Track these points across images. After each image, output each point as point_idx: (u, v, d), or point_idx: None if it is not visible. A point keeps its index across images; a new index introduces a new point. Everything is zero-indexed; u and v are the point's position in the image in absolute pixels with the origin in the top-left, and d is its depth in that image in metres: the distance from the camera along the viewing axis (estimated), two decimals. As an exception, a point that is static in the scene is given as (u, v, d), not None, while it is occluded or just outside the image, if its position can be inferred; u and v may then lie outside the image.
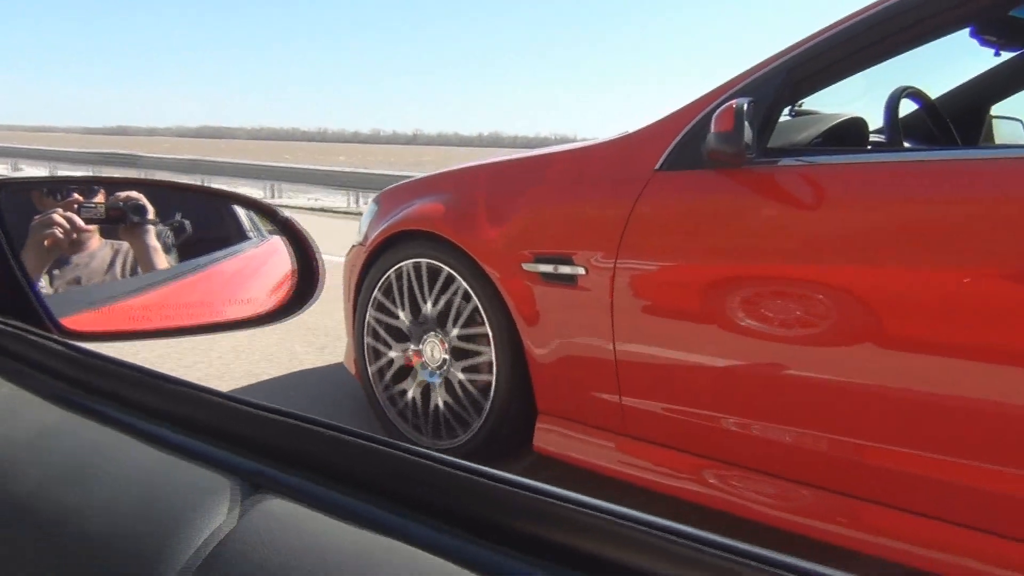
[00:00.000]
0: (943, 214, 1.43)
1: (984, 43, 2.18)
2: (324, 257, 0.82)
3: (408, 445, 0.45)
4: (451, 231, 2.18)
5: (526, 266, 2.01)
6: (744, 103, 1.58)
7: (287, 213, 0.80)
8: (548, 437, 2.05)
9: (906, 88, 1.92)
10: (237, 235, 0.97)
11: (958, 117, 2.42)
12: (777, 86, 1.65)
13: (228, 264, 0.98)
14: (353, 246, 2.77)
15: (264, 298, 0.82)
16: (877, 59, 1.60)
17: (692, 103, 1.83)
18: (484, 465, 0.42)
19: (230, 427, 0.50)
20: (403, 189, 2.55)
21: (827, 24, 1.65)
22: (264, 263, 0.84)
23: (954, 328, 1.37)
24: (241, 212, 0.96)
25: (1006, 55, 2.28)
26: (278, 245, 0.81)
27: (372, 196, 2.75)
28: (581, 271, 1.90)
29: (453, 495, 0.42)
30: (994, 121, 2.65)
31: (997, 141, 2.65)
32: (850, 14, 1.63)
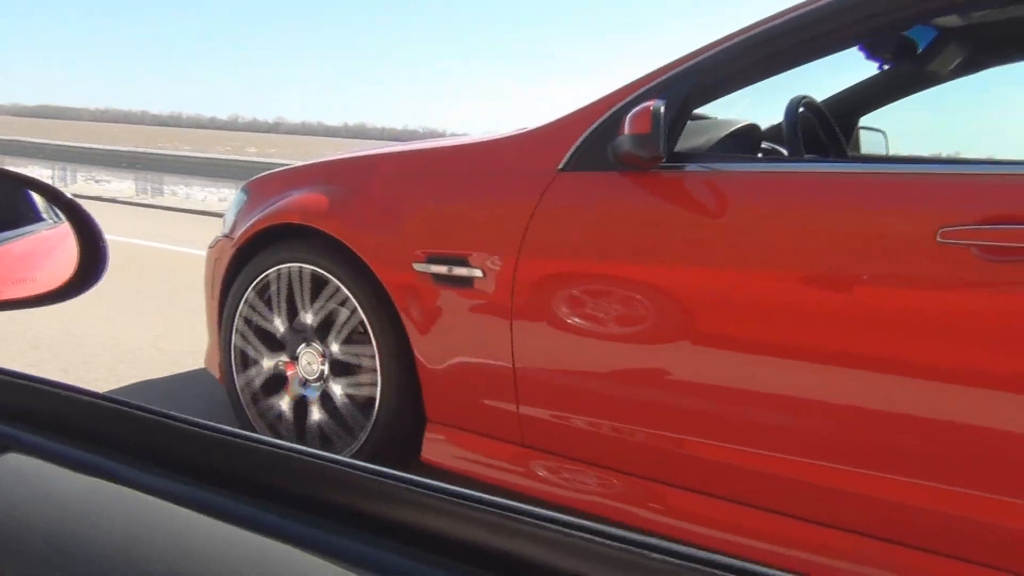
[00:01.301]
0: (837, 224, 1.44)
1: (870, 56, 2.26)
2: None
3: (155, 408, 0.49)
4: (333, 226, 2.01)
5: (417, 266, 1.88)
6: (660, 105, 1.52)
7: (70, 195, 0.79)
8: (438, 448, 1.93)
9: (803, 97, 1.95)
10: (29, 216, 0.97)
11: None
12: (687, 89, 1.61)
13: (16, 245, 0.99)
14: (217, 237, 2.53)
15: (46, 279, 0.81)
16: (783, 68, 1.60)
17: (596, 102, 1.77)
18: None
19: None
20: (276, 178, 2.34)
21: (731, 31, 1.63)
22: (57, 245, 0.84)
23: (834, 333, 1.39)
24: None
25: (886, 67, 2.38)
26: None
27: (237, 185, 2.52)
28: (478, 273, 1.79)
29: (202, 454, 0.47)
30: (861, 131, 2.79)
31: (863, 151, 2.79)
32: (756, 22, 1.62)
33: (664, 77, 1.64)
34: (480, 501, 0.40)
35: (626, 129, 1.54)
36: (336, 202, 2.04)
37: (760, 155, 2.06)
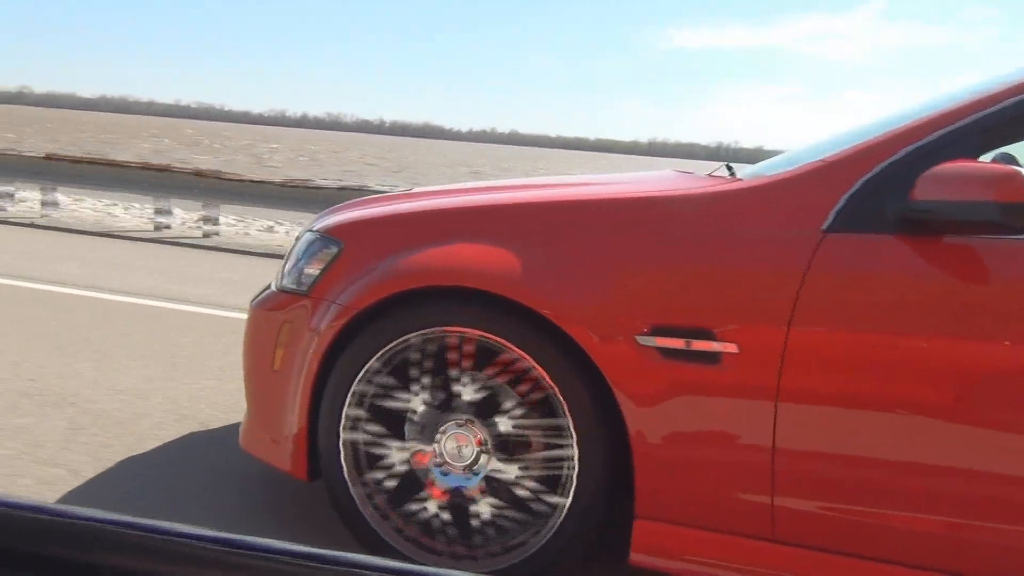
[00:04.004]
0: None
1: None
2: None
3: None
4: (520, 291, 1.66)
5: (641, 339, 1.60)
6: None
7: None
8: (655, 547, 1.66)
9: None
10: None
11: None
12: (980, 140, 1.49)
13: None
14: (270, 292, 2.05)
15: None
16: None
17: (852, 151, 1.59)
18: None
19: None
20: (384, 226, 1.92)
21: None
22: None
23: None
24: None
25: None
26: None
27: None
28: (731, 348, 1.55)
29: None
30: None
31: None
32: None
33: (960, 124, 1.50)
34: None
35: (990, 194, 1.37)
36: (517, 260, 1.69)
37: None
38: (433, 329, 1.75)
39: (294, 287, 1.98)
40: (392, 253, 1.81)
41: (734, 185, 1.68)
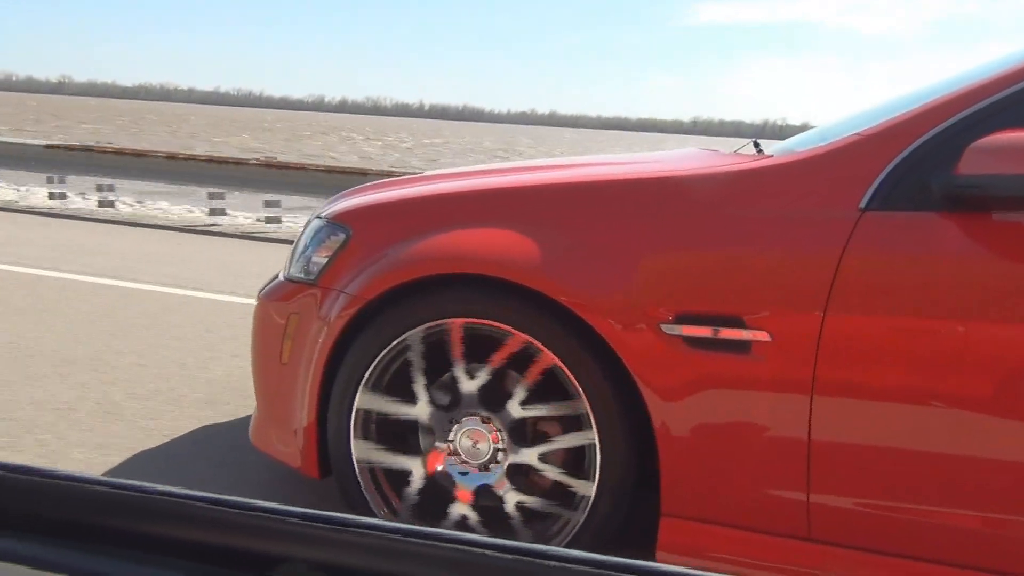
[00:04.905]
0: None
1: None
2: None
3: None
4: (537, 277, 1.57)
5: (665, 328, 1.51)
6: None
7: None
8: (683, 546, 1.57)
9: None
10: None
11: None
12: None
13: None
14: (278, 282, 1.98)
15: None
16: None
17: (888, 125, 1.48)
18: None
19: None
20: (392, 212, 1.83)
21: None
22: None
23: None
24: None
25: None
26: None
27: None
28: (762, 336, 1.46)
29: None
30: None
31: None
32: None
33: (1011, 91, 1.39)
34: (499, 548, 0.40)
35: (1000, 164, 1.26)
36: (532, 245, 1.60)
37: None
38: (446, 320, 1.67)
39: (302, 276, 1.90)
40: (402, 240, 1.73)
41: (763, 162, 1.58)
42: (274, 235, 7.09)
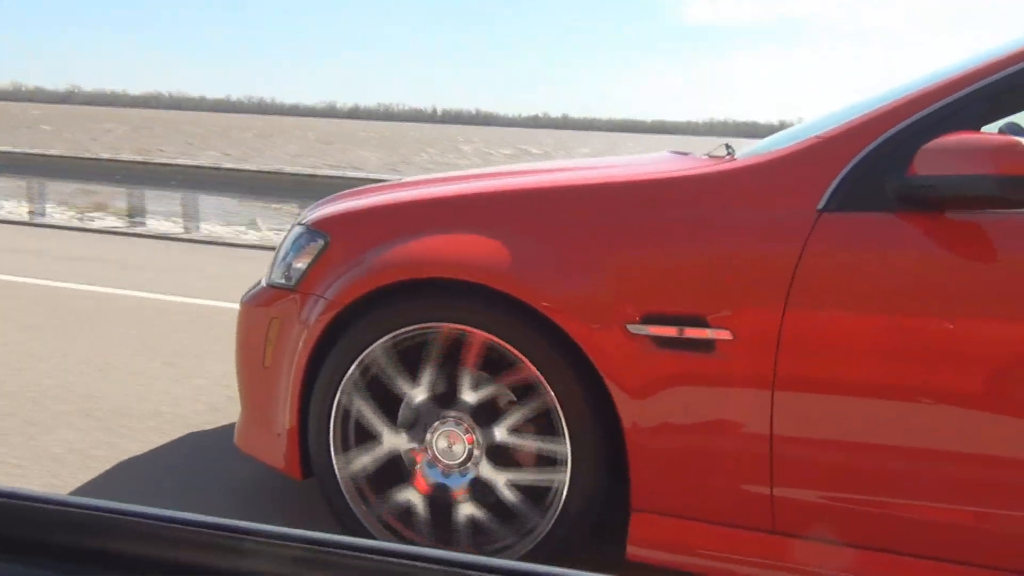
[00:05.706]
0: None
1: None
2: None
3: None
4: (506, 280, 1.61)
5: (632, 328, 1.55)
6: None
7: None
8: (653, 541, 1.61)
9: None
10: None
11: None
12: (983, 110, 1.41)
13: None
14: (261, 288, 2.02)
15: None
16: None
17: (844, 128, 1.52)
18: None
19: None
20: (371, 217, 1.87)
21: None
22: None
23: None
24: None
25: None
26: None
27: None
28: (724, 335, 1.49)
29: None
30: None
31: None
32: None
33: (961, 94, 1.42)
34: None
35: (992, 167, 1.29)
36: (501, 249, 1.64)
37: None
38: (421, 324, 1.70)
39: (283, 282, 1.94)
40: (377, 245, 1.77)
41: (728, 165, 1.62)
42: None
